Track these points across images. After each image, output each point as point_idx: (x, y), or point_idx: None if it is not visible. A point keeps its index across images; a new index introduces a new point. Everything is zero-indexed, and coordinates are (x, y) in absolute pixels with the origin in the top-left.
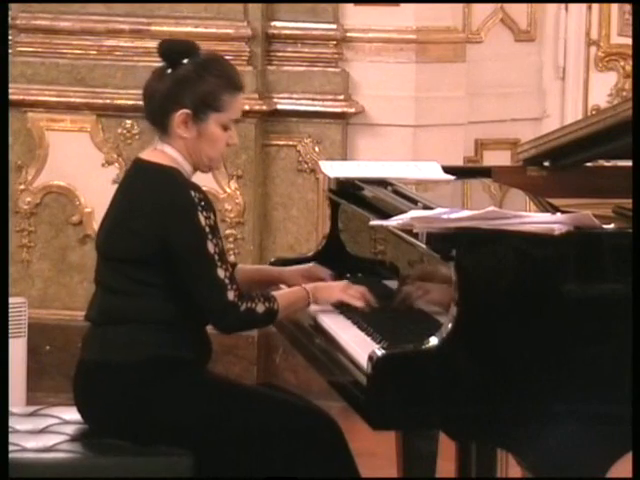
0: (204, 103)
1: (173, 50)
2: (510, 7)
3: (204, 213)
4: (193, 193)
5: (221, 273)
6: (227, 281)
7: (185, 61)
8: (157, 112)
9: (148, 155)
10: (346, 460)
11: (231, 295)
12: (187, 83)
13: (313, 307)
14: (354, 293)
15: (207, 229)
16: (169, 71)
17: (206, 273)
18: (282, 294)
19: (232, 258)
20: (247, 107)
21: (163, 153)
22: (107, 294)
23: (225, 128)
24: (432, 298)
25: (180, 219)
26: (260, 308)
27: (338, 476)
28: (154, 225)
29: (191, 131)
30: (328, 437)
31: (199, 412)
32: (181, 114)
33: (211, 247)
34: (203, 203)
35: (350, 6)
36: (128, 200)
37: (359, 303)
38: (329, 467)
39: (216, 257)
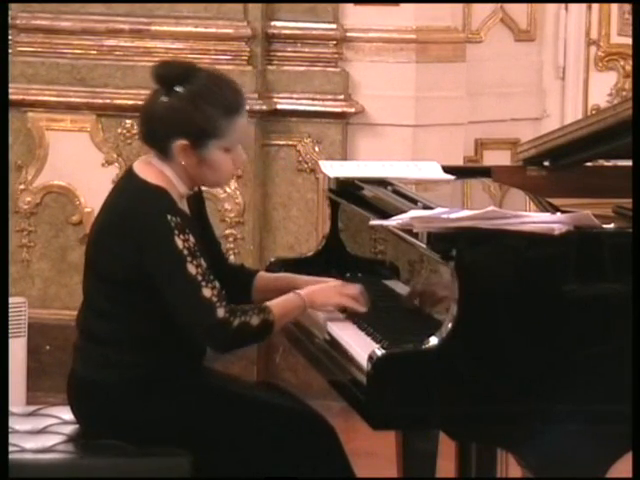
0: (202, 132)
1: (167, 76)
2: (510, 7)
3: (181, 236)
4: (169, 217)
5: (207, 292)
6: (215, 299)
7: (179, 89)
8: (155, 137)
9: (142, 169)
10: (341, 463)
11: (221, 313)
12: (182, 114)
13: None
14: (352, 294)
15: (185, 252)
16: (164, 99)
17: (190, 296)
18: (277, 303)
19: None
20: (247, 107)
21: (158, 171)
22: (88, 312)
23: (228, 150)
24: (432, 298)
25: (155, 245)
26: (255, 321)
27: (334, 478)
28: (127, 243)
29: (191, 159)
30: (323, 440)
31: (193, 421)
32: (179, 145)
33: (192, 269)
34: (180, 227)
35: (350, 6)
36: (110, 214)
37: (362, 308)
38: (324, 470)
39: (199, 277)
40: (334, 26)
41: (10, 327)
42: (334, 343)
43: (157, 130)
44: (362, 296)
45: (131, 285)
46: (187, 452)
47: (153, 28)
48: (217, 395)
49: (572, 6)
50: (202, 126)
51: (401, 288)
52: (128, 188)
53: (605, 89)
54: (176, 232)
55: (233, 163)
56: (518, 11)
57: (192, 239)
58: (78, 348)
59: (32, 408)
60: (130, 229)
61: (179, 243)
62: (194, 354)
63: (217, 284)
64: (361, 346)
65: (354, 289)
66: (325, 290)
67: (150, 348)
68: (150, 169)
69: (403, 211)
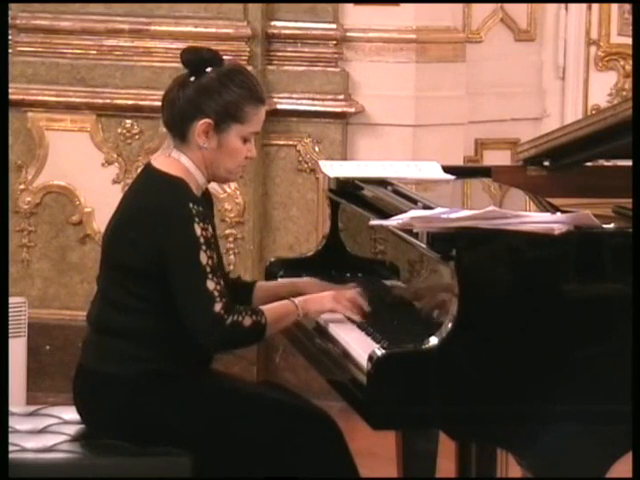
0: (227, 113)
1: (197, 58)
2: (510, 7)
3: (201, 225)
4: (192, 205)
5: (210, 285)
6: (216, 293)
7: (209, 70)
8: (177, 120)
9: (160, 162)
10: (346, 460)
11: (217, 307)
12: (211, 92)
13: None
14: (346, 303)
15: (202, 240)
16: (192, 79)
17: (194, 283)
18: (270, 308)
19: (232, 258)
20: None
21: (176, 162)
22: (104, 305)
23: (245, 141)
24: (432, 298)
25: (174, 228)
26: (247, 321)
27: (338, 476)
28: (149, 234)
29: (211, 141)
30: (327, 437)
31: (196, 420)
32: (203, 123)
33: (204, 258)
34: (202, 216)
35: (350, 6)
36: (131, 208)
37: (354, 315)
38: (329, 467)
39: (207, 268)
40: (334, 26)
41: (10, 327)
42: (334, 343)
43: (182, 112)
44: (357, 302)
45: (152, 278)
46: (188, 451)
47: (153, 28)
48: (223, 394)
49: (572, 6)
50: (228, 106)
51: (401, 288)
52: (149, 182)
53: (605, 89)
54: (197, 219)
55: (245, 155)
56: (518, 11)
57: (210, 230)
58: (90, 342)
59: (32, 408)
60: (154, 221)
61: (197, 230)
62: (206, 352)
63: (222, 282)
64: (361, 346)
65: (350, 295)
66: (320, 298)
67: (165, 343)
68: (169, 161)
69: (403, 211)
